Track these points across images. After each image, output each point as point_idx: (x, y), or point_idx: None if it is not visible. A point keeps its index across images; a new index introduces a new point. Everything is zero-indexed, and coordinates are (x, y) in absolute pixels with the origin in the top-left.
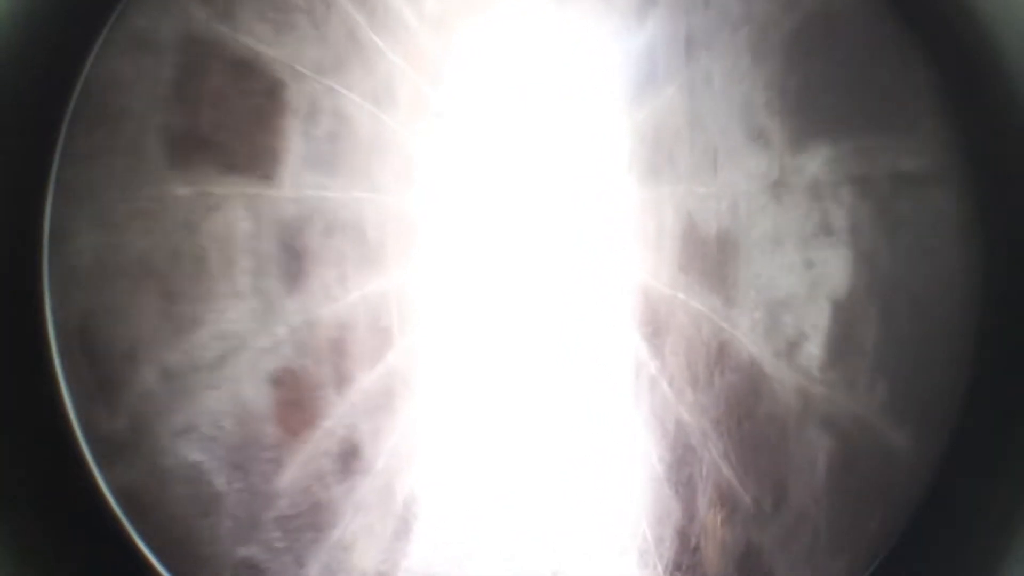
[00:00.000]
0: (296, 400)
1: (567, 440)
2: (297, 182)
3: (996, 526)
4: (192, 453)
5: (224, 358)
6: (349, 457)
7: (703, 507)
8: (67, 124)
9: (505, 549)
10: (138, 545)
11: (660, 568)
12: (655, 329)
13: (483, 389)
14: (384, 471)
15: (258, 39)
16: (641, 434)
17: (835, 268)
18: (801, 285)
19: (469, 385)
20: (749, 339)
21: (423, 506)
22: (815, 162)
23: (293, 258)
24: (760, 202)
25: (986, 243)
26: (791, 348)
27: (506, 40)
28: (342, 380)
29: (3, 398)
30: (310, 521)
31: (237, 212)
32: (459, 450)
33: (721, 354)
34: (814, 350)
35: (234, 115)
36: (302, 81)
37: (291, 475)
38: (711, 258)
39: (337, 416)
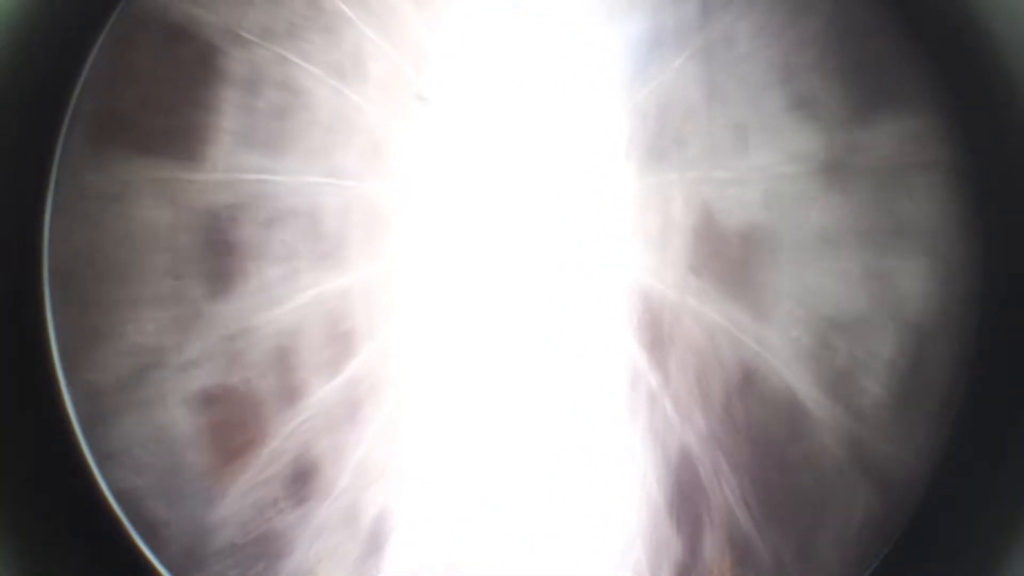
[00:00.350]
0: (233, 420)
1: (555, 448)
2: (231, 164)
3: (996, 526)
4: (125, 478)
5: (143, 374)
6: (304, 478)
7: (710, 549)
8: (67, 124)
9: (489, 561)
10: (138, 545)
11: None
12: (656, 338)
13: (465, 395)
14: (349, 488)
15: (194, 1)
16: (637, 451)
17: (908, 280)
18: (860, 300)
19: (449, 391)
20: (784, 364)
21: (397, 521)
22: (885, 139)
23: (224, 254)
24: (805, 190)
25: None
26: (841, 380)
27: (496, 19)
28: (291, 394)
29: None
30: (263, 549)
31: (154, 200)
32: (438, 460)
33: (746, 379)
34: (872, 385)
35: (159, 88)
36: (245, 47)
37: (235, 502)
38: (734, 258)
39: (285, 435)
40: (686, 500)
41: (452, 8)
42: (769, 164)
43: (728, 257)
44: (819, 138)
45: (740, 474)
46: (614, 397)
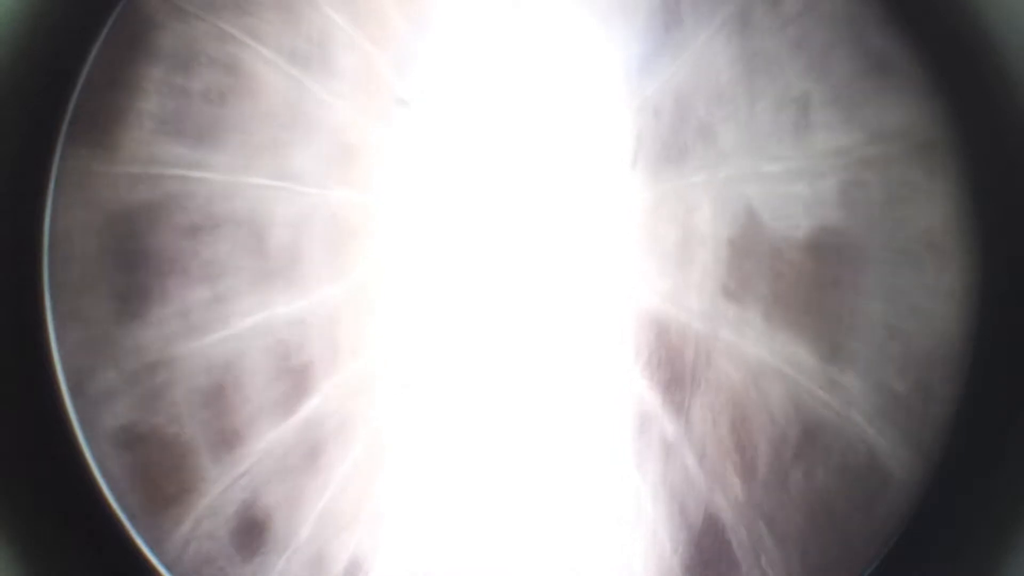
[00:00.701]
0: (162, 464)
1: (550, 493)
2: (151, 155)
3: (996, 526)
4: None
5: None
6: (255, 531)
7: None
8: (67, 124)
9: None
10: (138, 545)
11: None
12: (675, 378)
13: (452, 431)
14: (313, 539)
15: None
16: (646, 506)
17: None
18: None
19: (434, 427)
20: (866, 418)
21: (374, 567)
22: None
23: (136, 267)
24: (904, 180)
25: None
26: (921, 428)
27: (489, 18)
28: (230, 439)
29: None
30: None
31: (66, 197)
32: (423, 501)
33: (807, 437)
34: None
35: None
36: (181, 19)
37: (175, 553)
38: (792, 277)
39: (226, 485)
40: (710, 571)
41: (440, 4)
42: (847, 146)
43: (783, 276)
44: (910, 110)
45: (788, 551)
46: (618, 441)
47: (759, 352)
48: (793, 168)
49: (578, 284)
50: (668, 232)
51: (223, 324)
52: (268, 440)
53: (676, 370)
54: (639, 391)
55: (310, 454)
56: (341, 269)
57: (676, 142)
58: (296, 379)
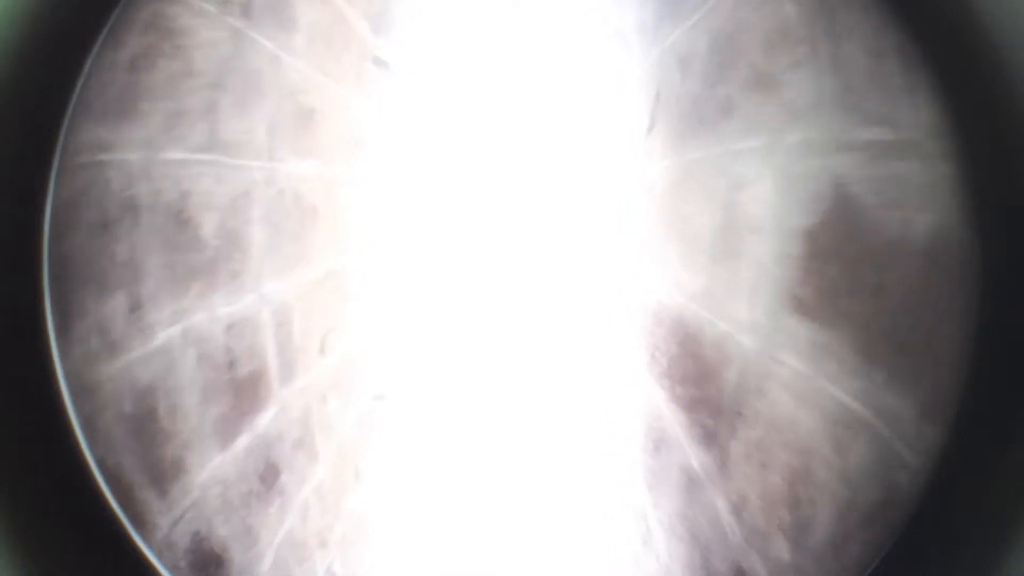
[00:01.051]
0: (101, 507)
1: (544, 502)
2: (72, 145)
3: (996, 526)
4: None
5: None
6: (209, 569)
7: None
8: (67, 124)
9: None
10: (138, 545)
11: None
12: (706, 399)
13: (433, 441)
14: (276, 569)
15: None
16: (657, 539)
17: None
18: None
19: (410, 437)
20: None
21: None
22: None
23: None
24: None
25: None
26: None
27: None
28: (164, 473)
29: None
30: None
31: None
32: (401, 520)
33: (885, 509)
34: None
35: None
36: None
37: None
38: (902, 295)
39: (170, 522)
40: None
41: None
42: None
43: (886, 292)
44: None
45: None
46: (625, 454)
47: (839, 393)
48: (905, 139)
49: (578, 272)
50: (700, 213)
51: (145, 337)
52: (212, 467)
53: (709, 391)
54: (654, 404)
55: (264, 479)
56: (299, 256)
57: (713, 97)
58: (244, 391)
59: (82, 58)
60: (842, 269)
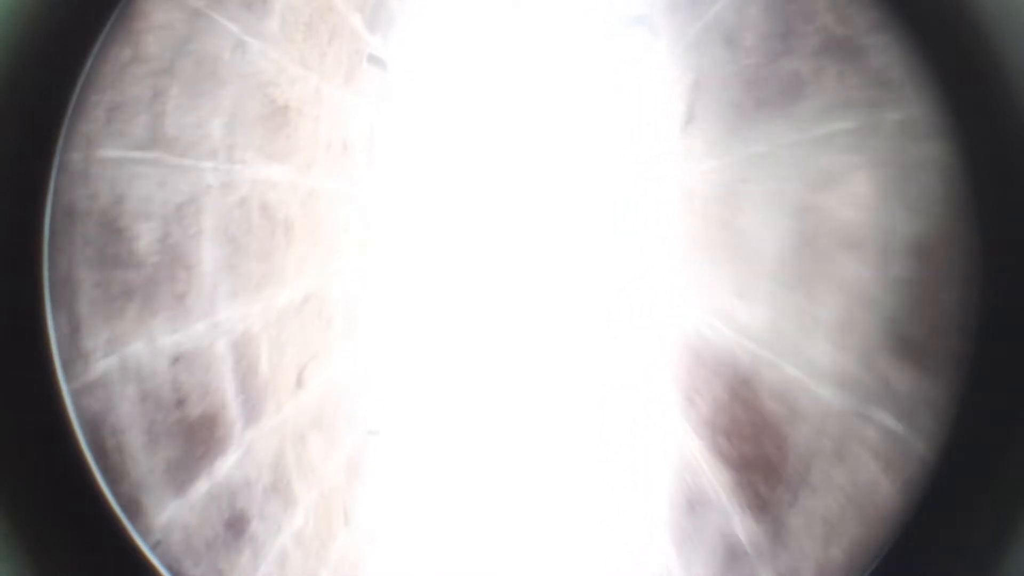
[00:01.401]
0: None
1: (552, 545)
2: None
3: (995, 526)
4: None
5: None
6: None
7: None
8: (67, 124)
9: None
10: (138, 545)
11: None
12: (762, 459)
13: (430, 482)
14: None
15: None
16: None
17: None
18: None
19: (404, 477)
20: None
21: None
22: None
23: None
24: None
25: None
26: None
27: None
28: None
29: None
30: None
31: None
32: (394, 562)
33: None
34: None
35: None
36: None
37: None
38: None
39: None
40: None
41: None
42: None
43: None
44: None
45: None
46: (650, 513)
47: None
48: None
49: (600, 298)
50: (761, 225)
51: (86, 364)
52: (170, 513)
53: (765, 449)
54: (689, 456)
55: (232, 525)
56: (267, 277)
57: (774, 79)
58: (197, 433)
59: (82, 58)
60: (954, 296)
